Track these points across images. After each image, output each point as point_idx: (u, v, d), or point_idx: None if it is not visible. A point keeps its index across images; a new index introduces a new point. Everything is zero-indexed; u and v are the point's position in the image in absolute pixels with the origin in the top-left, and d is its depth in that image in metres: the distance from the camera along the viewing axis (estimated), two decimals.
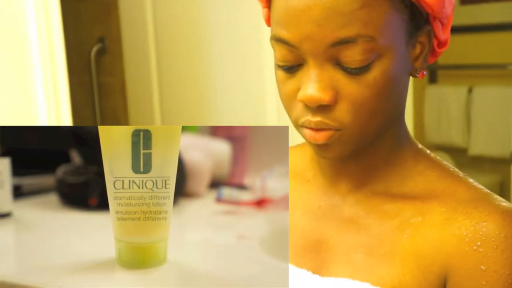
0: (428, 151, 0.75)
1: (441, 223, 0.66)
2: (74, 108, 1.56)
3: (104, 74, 2.65)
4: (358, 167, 0.72)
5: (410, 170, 0.71)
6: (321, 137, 0.63)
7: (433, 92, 3.46)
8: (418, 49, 0.65)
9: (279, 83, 0.66)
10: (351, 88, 0.61)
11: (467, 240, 0.64)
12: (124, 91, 2.41)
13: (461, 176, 0.71)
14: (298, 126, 0.65)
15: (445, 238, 0.65)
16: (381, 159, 0.71)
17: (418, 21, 0.63)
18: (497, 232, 0.63)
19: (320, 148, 0.65)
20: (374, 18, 0.59)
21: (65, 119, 1.46)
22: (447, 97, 3.38)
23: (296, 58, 0.62)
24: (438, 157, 0.74)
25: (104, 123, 2.71)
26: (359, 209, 0.72)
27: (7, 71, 1.37)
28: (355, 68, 0.60)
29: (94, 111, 2.71)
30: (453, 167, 0.73)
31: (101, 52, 2.63)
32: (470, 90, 3.28)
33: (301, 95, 0.62)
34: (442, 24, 0.66)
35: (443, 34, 0.66)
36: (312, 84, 0.61)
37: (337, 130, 0.62)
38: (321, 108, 0.62)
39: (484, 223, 0.63)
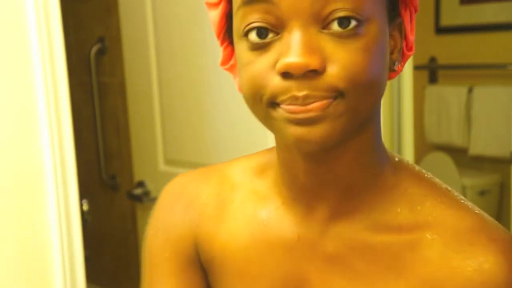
0: (406, 162, 0.66)
1: (436, 261, 0.58)
2: (74, 108, 1.55)
3: (104, 74, 2.65)
4: (336, 192, 0.62)
5: (392, 190, 0.62)
6: (312, 109, 0.52)
7: (433, 92, 3.46)
8: (392, 42, 0.60)
9: (245, 64, 0.56)
10: (341, 53, 0.52)
11: (470, 286, 0.57)
12: (124, 91, 2.40)
13: (444, 190, 0.63)
14: (273, 105, 0.54)
15: (443, 282, 0.58)
16: (360, 180, 0.61)
17: (393, 8, 0.59)
18: (502, 277, 0.56)
19: (305, 129, 0.53)
20: None
21: (65, 119, 1.46)
22: (447, 97, 3.38)
23: (275, 22, 0.53)
24: (417, 167, 0.66)
25: (104, 123, 2.72)
26: (342, 245, 0.62)
27: (7, 71, 1.37)
28: (345, 30, 0.52)
29: (94, 111, 2.71)
30: (434, 179, 0.65)
31: (101, 52, 2.63)
32: (470, 90, 3.28)
33: (282, 62, 0.52)
34: (411, 20, 0.61)
35: (411, 33, 0.62)
36: (295, 48, 0.51)
37: (331, 98, 0.52)
38: (308, 77, 0.52)
39: (487, 266, 0.56)
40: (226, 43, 0.64)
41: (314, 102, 0.52)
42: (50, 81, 1.42)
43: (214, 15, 0.61)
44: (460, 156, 3.34)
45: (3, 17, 1.36)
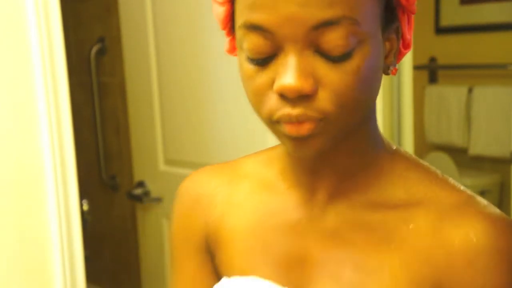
0: (403, 150, 0.71)
1: (427, 232, 0.63)
2: (74, 108, 1.56)
3: (104, 74, 2.65)
4: (335, 175, 0.68)
5: (388, 173, 0.67)
6: (304, 129, 0.58)
7: (433, 92, 3.46)
8: (387, 46, 0.63)
9: (247, 78, 0.61)
10: (333, 76, 0.56)
11: (457, 253, 0.61)
12: (124, 91, 2.41)
13: (440, 176, 0.68)
14: (273, 122, 0.60)
15: (434, 250, 0.62)
16: (357, 164, 0.67)
17: (390, 13, 0.61)
18: (489, 245, 0.60)
19: (300, 143, 0.59)
20: (359, 0, 0.55)
21: (65, 119, 1.46)
22: (447, 97, 3.38)
23: (272, 46, 0.57)
24: (414, 156, 0.71)
25: (104, 123, 2.72)
26: (341, 222, 0.67)
27: (7, 71, 1.37)
28: (337, 56, 0.56)
29: (94, 111, 2.71)
30: (430, 166, 0.70)
31: (101, 52, 2.63)
32: (470, 90, 3.28)
33: (278, 85, 0.57)
34: (409, 21, 0.64)
35: (408, 32, 0.64)
36: (290, 73, 0.56)
37: (320, 120, 0.58)
38: (301, 99, 0.57)
39: (473, 235, 0.61)
40: (231, 36, 0.67)
41: (306, 121, 0.58)
42: (50, 81, 1.42)
43: (219, 11, 0.64)
44: (460, 156, 3.34)
45: (3, 17, 1.36)
